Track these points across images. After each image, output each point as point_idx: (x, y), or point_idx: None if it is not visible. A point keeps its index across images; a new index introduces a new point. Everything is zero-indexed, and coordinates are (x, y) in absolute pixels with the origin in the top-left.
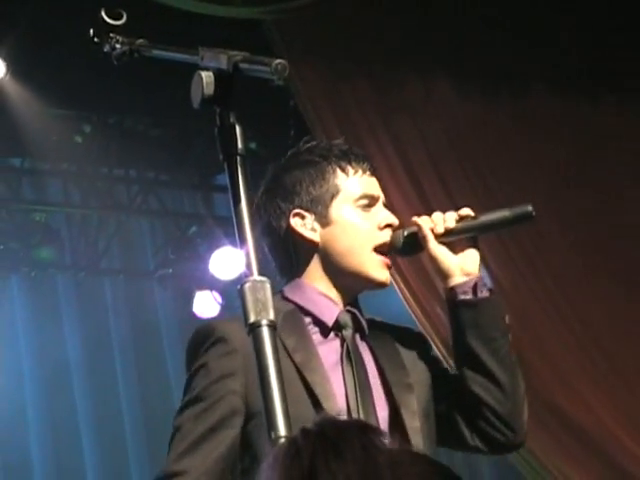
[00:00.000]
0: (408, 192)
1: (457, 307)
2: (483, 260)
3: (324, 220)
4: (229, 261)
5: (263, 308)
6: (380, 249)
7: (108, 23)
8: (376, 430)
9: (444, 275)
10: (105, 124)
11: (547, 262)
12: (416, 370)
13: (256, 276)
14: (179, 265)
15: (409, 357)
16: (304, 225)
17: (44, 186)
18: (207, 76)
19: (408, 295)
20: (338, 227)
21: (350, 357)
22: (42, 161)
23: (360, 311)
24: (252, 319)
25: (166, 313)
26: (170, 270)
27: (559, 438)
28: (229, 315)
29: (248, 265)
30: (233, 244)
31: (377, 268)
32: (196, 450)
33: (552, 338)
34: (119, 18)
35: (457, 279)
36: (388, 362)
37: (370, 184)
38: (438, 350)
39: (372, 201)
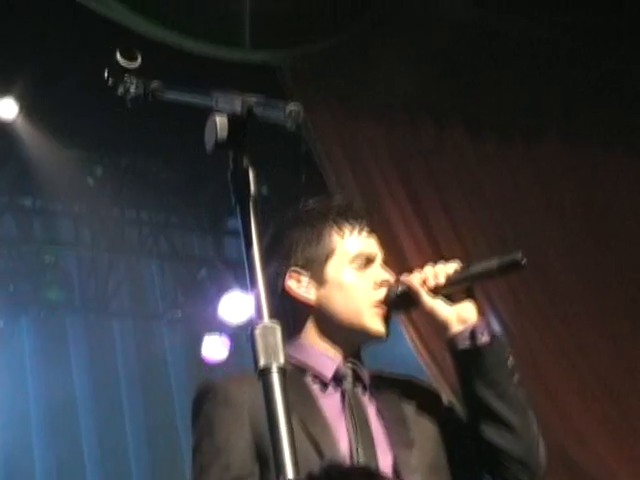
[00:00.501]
0: (419, 238)
1: (458, 357)
2: (493, 307)
3: (319, 280)
4: (238, 305)
5: (273, 353)
6: (377, 305)
7: (122, 65)
8: (381, 476)
9: (443, 327)
10: (117, 166)
11: (558, 310)
12: (420, 424)
13: (267, 320)
14: (188, 308)
15: (414, 411)
16: (299, 286)
17: (55, 227)
18: (221, 120)
19: (418, 342)
20: (333, 287)
21: (351, 408)
22: (53, 202)
23: (362, 364)
24: (262, 364)
25: (174, 356)
26: (179, 313)
27: None
28: (238, 359)
29: (259, 309)
30: (242, 288)
31: (374, 320)
32: None
33: (563, 387)
34: (134, 60)
35: (455, 328)
36: (389, 417)
37: (367, 244)
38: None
39: (368, 260)
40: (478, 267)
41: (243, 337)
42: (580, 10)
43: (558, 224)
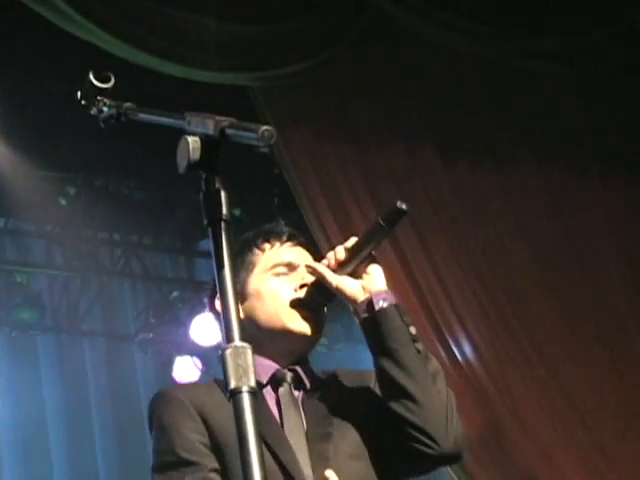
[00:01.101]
0: (391, 260)
1: (361, 327)
2: (466, 331)
3: (243, 295)
4: (210, 327)
5: (244, 374)
6: (296, 305)
7: (96, 86)
8: None
9: (352, 302)
10: (90, 187)
11: (529, 334)
12: (348, 415)
13: (237, 342)
14: (160, 329)
15: (345, 402)
16: None
17: (27, 247)
18: (193, 141)
19: None
20: (254, 297)
21: (285, 412)
22: (26, 222)
23: (306, 368)
24: (233, 385)
25: (146, 377)
26: (151, 334)
27: None
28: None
29: (229, 331)
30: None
31: (293, 319)
32: None
33: (533, 411)
34: (107, 81)
35: (360, 299)
36: (313, 415)
37: (288, 252)
38: None
39: (290, 268)
40: (367, 230)
41: (214, 358)
42: (551, 33)
43: (530, 247)
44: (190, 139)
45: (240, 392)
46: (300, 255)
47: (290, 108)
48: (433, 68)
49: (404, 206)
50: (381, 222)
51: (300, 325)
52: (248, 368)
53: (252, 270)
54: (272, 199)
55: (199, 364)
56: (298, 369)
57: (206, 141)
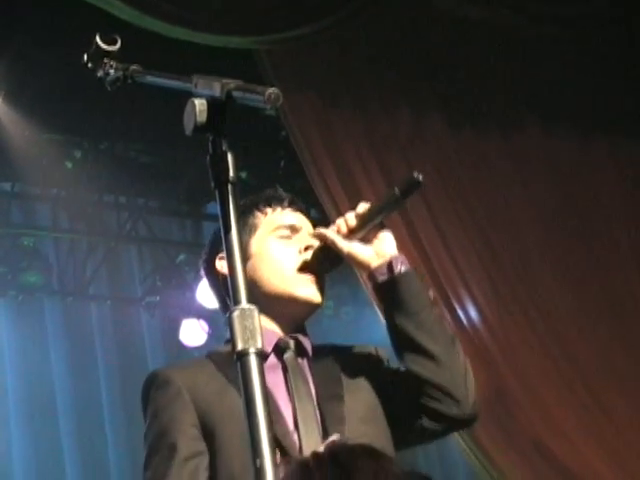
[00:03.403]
0: (397, 225)
1: (378, 290)
2: (472, 298)
3: (245, 256)
4: None
5: (251, 336)
6: (303, 269)
7: (102, 48)
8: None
9: (364, 267)
10: (96, 150)
11: (536, 303)
12: (355, 381)
13: (244, 304)
14: (166, 293)
15: (350, 370)
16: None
17: (33, 211)
18: (200, 104)
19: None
20: (257, 258)
21: (293, 379)
22: (32, 186)
23: (306, 336)
24: (240, 347)
25: (153, 340)
26: (157, 297)
27: (543, 476)
28: (215, 344)
29: (236, 293)
30: None
31: (301, 286)
32: None
33: (538, 375)
34: (113, 43)
35: (374, 264)
36: (323, 377)
37: (290, 216)
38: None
39: (293, 231)
40: (382, 200)
41: (221, 321)
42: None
43: (536, 212)
44: (197, 101)
45: (247, 354)
46: (302, 220)
47: (296, 73)
48: (438, 34)
49: (420, 177)
50: (397, 192)
51: (306, 291)
52: (255, 330)
53: (254, 232)
54: (279, 162)
55: (206, 327)
56: (300, 337)
57: (213, 103)
